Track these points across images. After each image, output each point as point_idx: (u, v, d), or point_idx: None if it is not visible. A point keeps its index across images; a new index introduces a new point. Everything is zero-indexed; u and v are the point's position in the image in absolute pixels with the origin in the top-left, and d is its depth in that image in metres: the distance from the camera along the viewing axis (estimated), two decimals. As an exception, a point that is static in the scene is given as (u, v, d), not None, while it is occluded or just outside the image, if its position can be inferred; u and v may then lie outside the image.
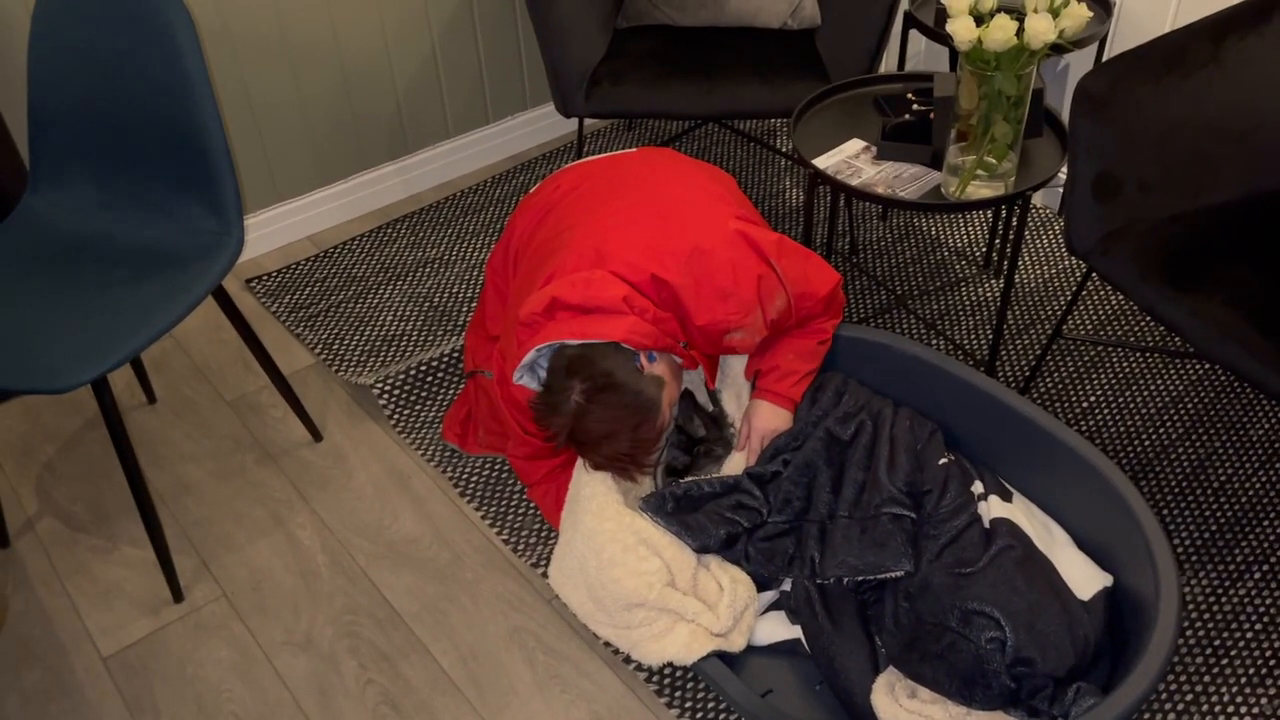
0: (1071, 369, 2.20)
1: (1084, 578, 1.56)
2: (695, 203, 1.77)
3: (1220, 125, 1.81)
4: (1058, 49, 1.88)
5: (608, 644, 1.75)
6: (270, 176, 2.61)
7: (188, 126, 1.70)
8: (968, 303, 2.39)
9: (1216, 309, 1.66)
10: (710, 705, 1.65)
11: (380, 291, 2.54)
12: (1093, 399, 2.13)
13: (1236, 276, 1.70)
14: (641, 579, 1.57)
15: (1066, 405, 2.12)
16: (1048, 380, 2.18)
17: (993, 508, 1.64)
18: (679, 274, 1.67)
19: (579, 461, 1.73)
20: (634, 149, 2.00)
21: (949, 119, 1.91)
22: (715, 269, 1.68)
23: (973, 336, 2.30)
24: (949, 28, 1.74)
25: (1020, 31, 1.72)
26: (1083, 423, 2.08)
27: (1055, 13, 1.72)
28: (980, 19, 1.77)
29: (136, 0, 1.64)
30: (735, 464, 1.81)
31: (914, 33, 2.52)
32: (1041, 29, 1.68)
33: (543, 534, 1.93)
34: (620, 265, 1.67)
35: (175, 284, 1.71)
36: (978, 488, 1.68)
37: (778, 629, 1.69)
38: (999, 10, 1.79)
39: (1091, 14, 2.02)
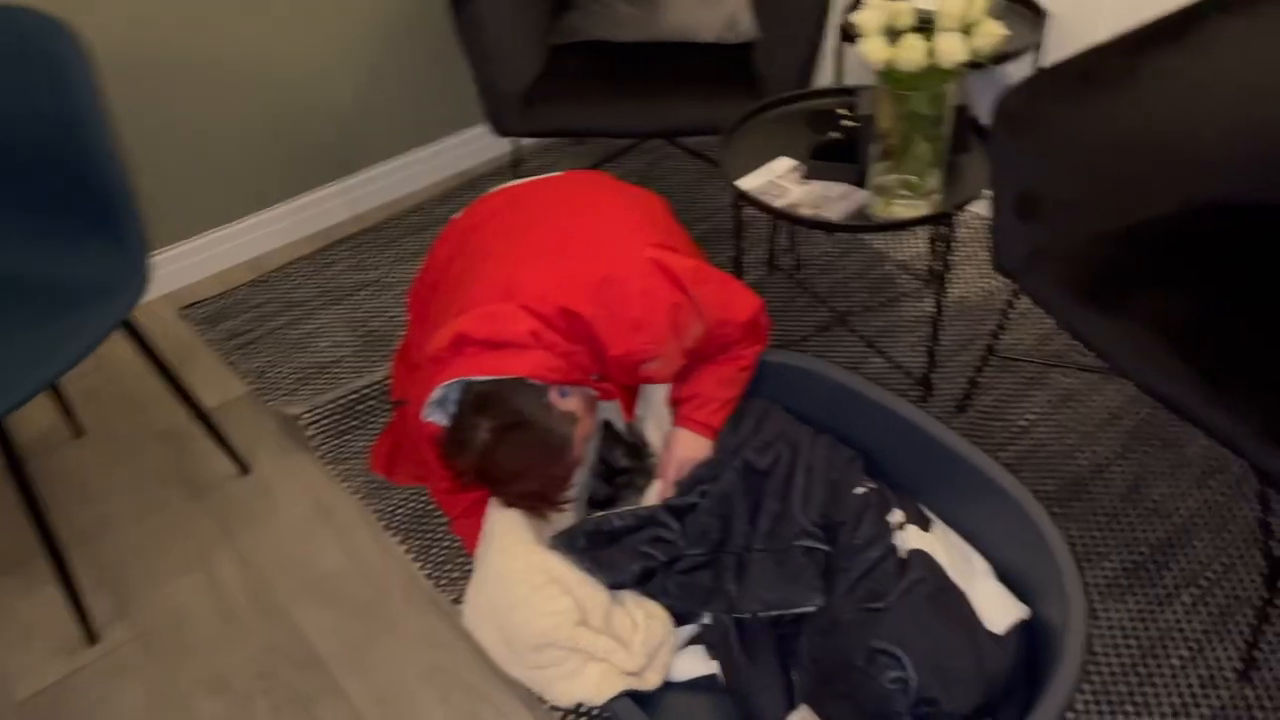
0: (1009, 386, 2.17)
1: (999, 610, 1.53)
2: (610, 232, 1.74)
3: (1141, 142, 1.77)
4: (977, 65, 1.85)
5: (525, 682, 1.72)
6: (206, 201, 2.58)
7: (85, 163, 1.67)
8: (909, 319, 2.36)
9: (1138, 332, 1.63)
10: (626, 744, 1.63)
11: (317, 316, 2.51)
12: (1029, 417, 2.10)
13: (1158, 298, 1.67)
14: (550, 619, 1.54)
15: (1003, 423, 2.09)
16: (985, 398, 2.15)
17: (910, 538, 1.61)
18: (589, 305, 1.64)
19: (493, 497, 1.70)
20: (559, 173, 1.97)
21: (872, 138, 1.88)
22: (626, 299, 1.64)
23: (912, 354, 2.27)
24: (860, 48, 1.71)
25: (932, 51, 1.69)
26: (1019, 441, 2.05)
27: (967, 31, 1.69)
28: (894, 37, 1.74)
29: (26, 37, 1.61)
30: (657, 494, 1.78)
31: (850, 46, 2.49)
32: (951, 48, 1.65)
33: (466, 569, 1.90)
34: (529, 298, 1.63)
35: (77, 323, 1.68)
36: (896, 517, 1.65)
37: (697, 664, 1.66)
38: (914, 29, 1.76)
39: (1008, 31, 1.98)
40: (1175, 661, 1.67)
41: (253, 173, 2.62)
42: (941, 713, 1.39)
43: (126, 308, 1.72)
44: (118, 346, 2.42)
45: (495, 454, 1.56)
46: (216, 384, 2.34)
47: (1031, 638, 1.54)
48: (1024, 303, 2.35)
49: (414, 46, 2.73)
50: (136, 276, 1.74)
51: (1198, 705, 1.61)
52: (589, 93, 2.41)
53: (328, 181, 2.77)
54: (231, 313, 2.53)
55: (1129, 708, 1.61)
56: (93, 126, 1.63)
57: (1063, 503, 1.93)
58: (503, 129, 2.42)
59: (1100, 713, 1.61)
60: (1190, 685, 1.64)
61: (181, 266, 2.62)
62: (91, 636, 1.82)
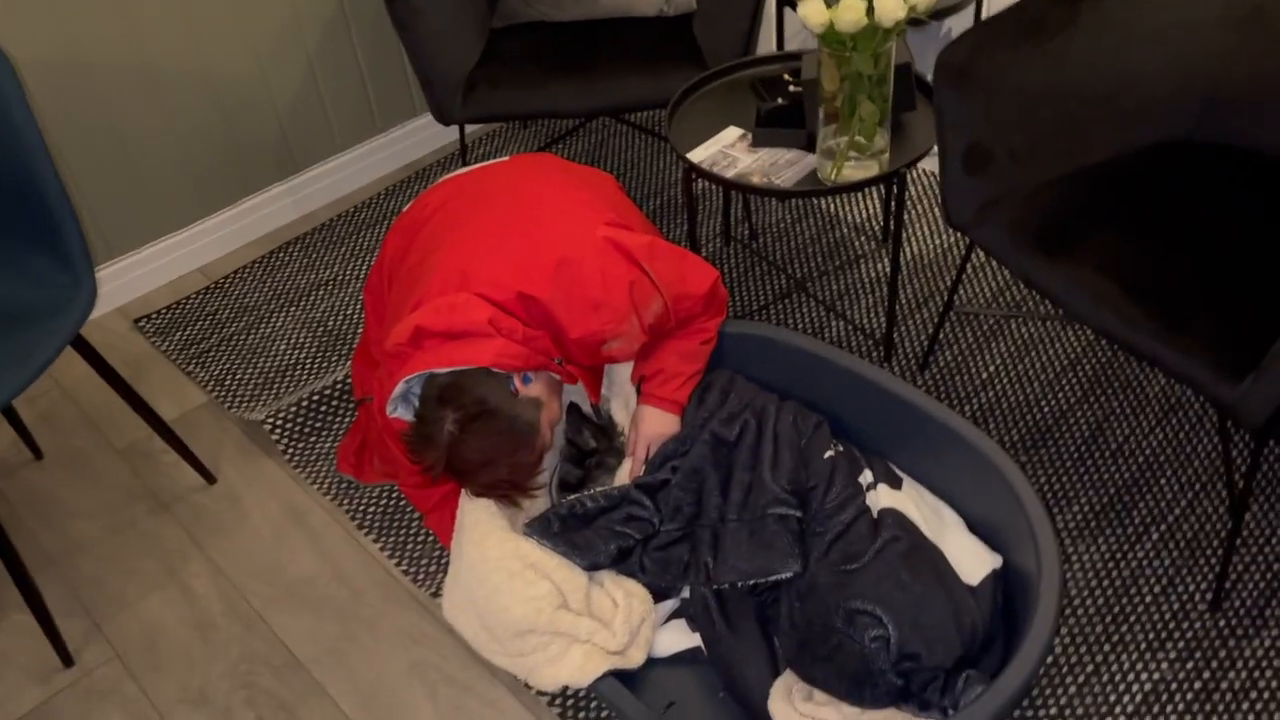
0: (969, 340, 2.18)
1: (973, 562, 1.54)
2: (561, 213, 1.72)
3: (1084, 89, 1.79)
4: (918, 22, 1.85)
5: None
6: (151, 210, 2.54)
7: (22, 178, 1.63)
8: (867, 280, 2.37)
9: (1088, 276, 1.65)
10: (615, 723, 1.63)
11: (273, 320, 2.47)
12: (991, 369, 2.12)
13: (1107, 241, 1.69)
14: (530, 605, 1.54)
15: (965, 377, 2.11)
16: (946, 354, 2.16)
17: (881, 497, 1.62)
18: (547, 288, 1.63)
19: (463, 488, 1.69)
20: (506, 158, 1.95)
21: (817, 101, 1.87)
22: (584, 279, 1.63)
23: (871, 315, 2.28)
24: (799, 11, 1.71)
25: (871, 11, 1.69)
26: (982, 394, 2.07)
27: (905, -12, 1.69)
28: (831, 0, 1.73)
29: (-51, 55, 1.57)
30: (628, 473, 1.78)
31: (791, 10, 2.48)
32: (890, 7, 1.64)
33: (443, 562, 1.89)
34: (485, 285, 1.62)
35: (26, 345, 1.65)
36: (866, 477, 1.66)
37: (679, 638, 1.66)
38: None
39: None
40: (1148, 598, 1.70)
41: (196, 178, 2.58)
42: (923, 667, 1.41)
43: (75, 325, 1.69)
44: (71, 365, 2.38)
45: (462, 446, 1.55)
46: (175, 395, 2.31)
47: (1007, 586, 1.56)
48: (979, 256, 2.37)
49: (351, 38, 2.68)
50: (83, 292, 1.71)
51: (1172, 638, 1.64)
52: (531, 75, 2.38)
53: (274, 182, 2.73)
54: (185, 322, 2.49)
55: (1106, 647, 1.64)
56: (28, 140, 1.60)
57: (1029, 451, 1.95)
58: (446, 118, 2.39)
59: (1079, 654, 1.64)
60: (1164, 619, 1.67)
61: (131, 278, 2.57)
62: (67, 659, 1.79)
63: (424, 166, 2.92)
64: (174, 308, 2.54)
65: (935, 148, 1.83)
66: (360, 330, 2.41)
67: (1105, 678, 1.60)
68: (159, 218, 2.56)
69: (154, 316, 2.52)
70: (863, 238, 2.49)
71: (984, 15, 2.39)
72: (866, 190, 2.61)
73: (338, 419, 2.18)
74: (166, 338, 2.46)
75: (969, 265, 2.36)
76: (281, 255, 2.67)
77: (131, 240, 2.55)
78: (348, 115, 2.78)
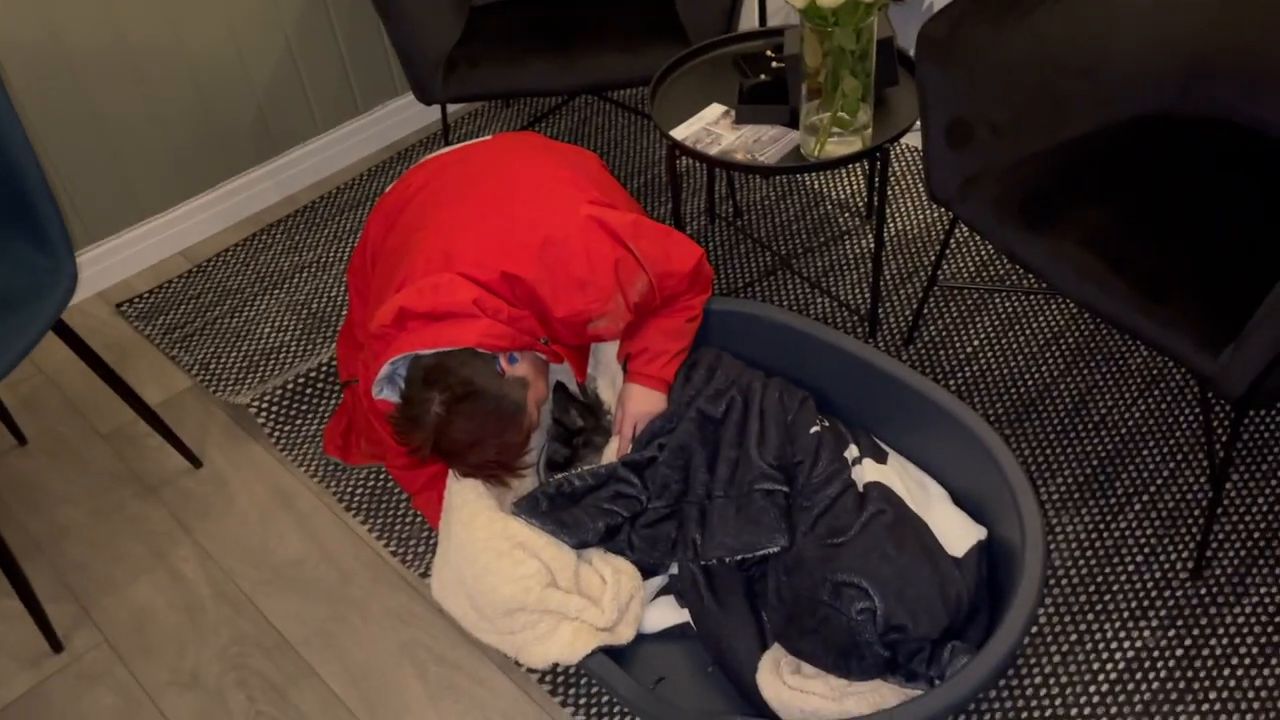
0: (954, 315, 2.19)
1: (958, 534, 1.56)
2: (545, 192, 1.72)
3: (1065, 62, 1.79)
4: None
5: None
6: (131, 193, 2.52)
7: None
8: (851, 257, 2.37)
9: (1071, 249, 1.66)
10: (605, 700, 1.64)
11: (256, 303, 2.46)
12: (975, 344, 2.13)
13: (1090, 215, 1.69)
14: (518, 583, 1.55)
15: (950, 352, 2.12)
16: (931, 329, 2.17)
17: (867, 471, 1.64)
18: (531, 268, 1.63)
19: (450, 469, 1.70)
20: (489, 137, 1.94)
21: (800, 77, 1.87)
22: (569, 258, 1.63)
23: (855, 292, 2.28)
24: (781, -13, 1.70)
25: (853, -15, 1.68)
26: (966, 368, 2.08)
27: (886, -37, 1.68)
28: (814, -25, 1.73)
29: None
30: (615, 451, 1.78)
31: (773, -15, 2.47)
32: (871, -18, 1.64)
33: (431, 543, 1.90)
34: (469, 266, 1.62)
35: (7, 328, 1.64)
36: (852, 452, 1.67)
37: (668, 614, 1.68)
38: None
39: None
40: (1130, 568, 1.72)
41: (177, 160, 2.56)
42: (910, 638, 1.42)
43: (56, 309, 1.68)
44: (54, 349, 2.36)
45: (449, 427, 1.55)
46: (159, 379, 2.30)
47: (991, 558, 1.57)
48: (963, 231, 2.38)
49: (330, 17, 2.66)
50: (63, 276, 1.70)
51: (1154, 607, 1.66)
52: (512, 53, 2.37)
53: (255, 164, 2.71)
54: (168, 306, 2.48)
55: (1089, 616, 1.66)
56: (4, 126, 1.58)
57: (1013, 424, 1.96)
58: (427, 97, 2.38)
59: (1062, 623, 1.66)
60: (1146, 589, 1.69)
61: (113, 263, 2.55)
62: (56, 645, 1.79)
63: (406, 147, 2.90)
64: (156, 292, 2.52)
65: (918, 123, 1.83)
66: (344, 312, 2.40)
67: (1088, 646, 1.62)
68: (139, 201, 2.54)
69: (136, 301, 2.50)
70: (846, 214, 2.49)
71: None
72: (850, 167, 2.61)
73: (323, 401, 2.18)
74: (149, 322, 2.44)
75: (952, 240, 2.36)
76: (264, 238, 2.65)
77: (111, 224, 2.53)
78: (328, 96, 2.76)
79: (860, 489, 1.61)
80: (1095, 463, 1.88)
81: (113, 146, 2.43)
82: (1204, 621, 1.64)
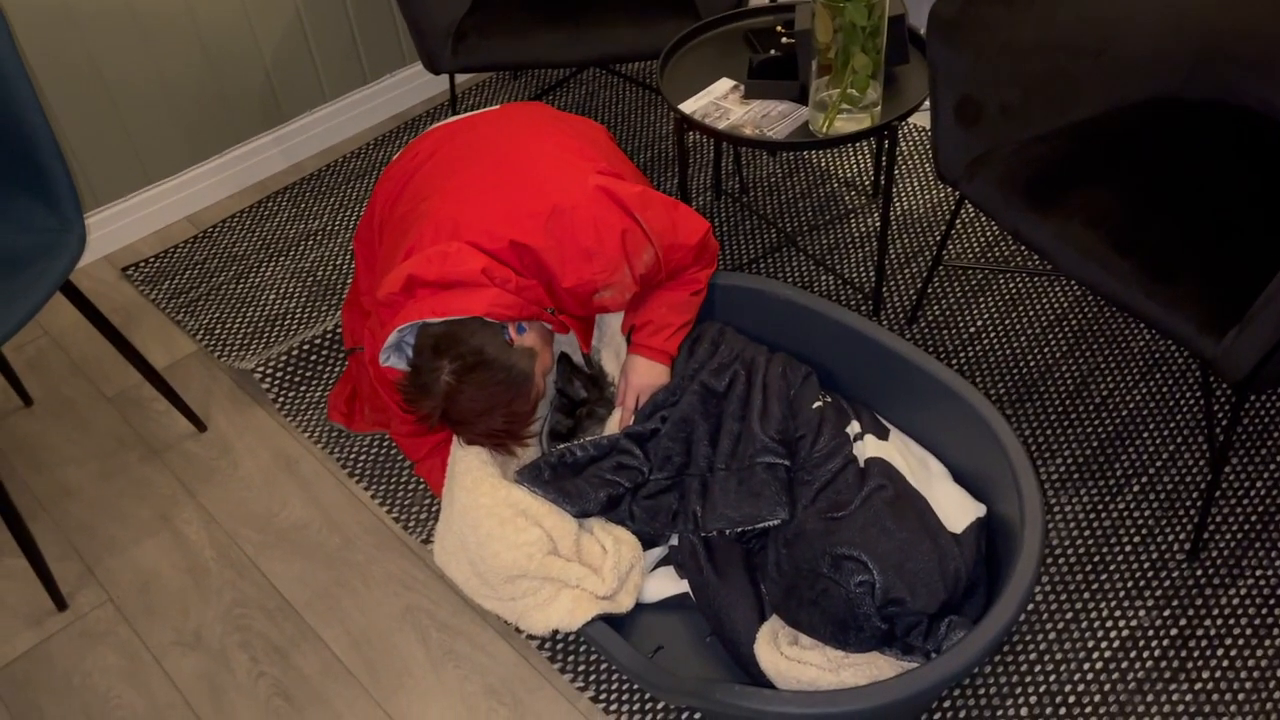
0: (958, 294, 2.20)
1: (957, 511, 1.57)
2: (553, 161, 1.72)
3: (1074, 42, 1.78)
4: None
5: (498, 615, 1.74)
6: (138, 158, 2.52)
7: (8, 120, 1.62)
8: (856, 235, 2.38)
9: (1076, 230, 1.66)
10: (603, 667, 1.66)
11: (262, 269, 2.47)
12: (979, 323, 2.13)
13: (1096, 196, 1.69)
14: (520, 550, 1.56)
15: (953, 331, 2.12)
16: (935, 308, 2.18)
17: (868, 447, 1.65)
18: (540, 237, 1.63)
19: (456, 436, 1.70)
20: (497, 106, 1.94)
21: (810, 53, 1.87)
22: (577, 228, 1.64)
23: (860, 270, 2.29)
24: (794, -39, 1.70)
25: (866, -40, 1.68)
26: (970, 348, 2.09)
27: (900, -62, 1.68)
28: (827, -51, 1.72)
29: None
30: (618, 422, 1.79)
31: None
32: (885, -43, 1.64)
33: (433, 509, 1.91)
34: (478, 234, 1.62)
35: (14, 290, 1.64)
36: (854, 428, 1.68)
37: (667, 585, 1.69)
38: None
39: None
40: (1128, 547, 1.73)
41: (184, 125, 2.55)
42: (907, 612, 1.44)
43: (65, 269, 1.69)
44: (60, 311, 2.37)
45: (459, 396, 1.56)
46: (165, 343, 2.31)
47: (990, 535, 1.59)
48: (968, 211, 2.38)
49: (340, -14, 2.65)
50: (72, 237, 1.71)
51: (1150, 586, 1.68)
52: (522, 24, 2.36)
53: (262, 131, 2.71)
54: (174, 270, 2.48)
55: (1086, 595, 1.67)
56: (15, 82, 1.58)
57: (1015, 403, 1.97)
58: (436, 67, 2.37)
59: (1059, 600, 1.67)
60: (1143, 568, 1.70)
61: (119, 226, 2.55)
62: (60, 603, 1.81)
63: (413, 117, 2.90)
64: (162, 257, 2.53)
65: (926, 102, 1.83)
66: (350, 280, 2.41)
67: (1084, 623, 1.64)
68: (146, 166, 2.54)
69: (142, 265, 2.51)
70: (853, 192, 2.49)
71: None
72: (857, 145, 2.61)
73: (328, 368, 2.19)
74: (155, 286, 2.45)
75: (958, 220, 2.37)
76: (270, 205, 2.65)
77: (118, 188, 2.53)
78: (336, 64, 2.75)
79: (861, 464, 1.62)
80: (1095, 443, 1.89)
81: (121, 111, 2.43)
82: (1199, 602, 1.65)
